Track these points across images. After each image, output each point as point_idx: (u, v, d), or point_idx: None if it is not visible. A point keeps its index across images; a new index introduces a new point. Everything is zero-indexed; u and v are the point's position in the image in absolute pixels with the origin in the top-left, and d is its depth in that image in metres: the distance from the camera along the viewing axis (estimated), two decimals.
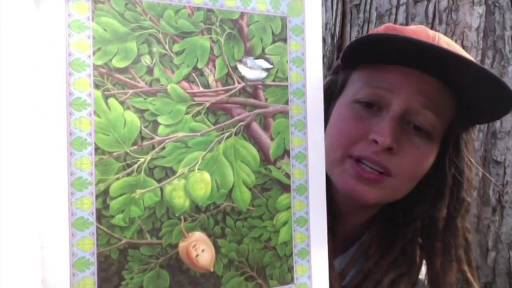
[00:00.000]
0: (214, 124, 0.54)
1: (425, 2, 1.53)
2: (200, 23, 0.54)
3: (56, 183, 0.47)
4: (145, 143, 0.51)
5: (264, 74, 0.57)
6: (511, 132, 1.43)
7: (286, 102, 0.58)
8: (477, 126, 1.39)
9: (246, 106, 0.56)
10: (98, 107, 0.49)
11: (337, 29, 1.72)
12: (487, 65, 1.44)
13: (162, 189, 0.51)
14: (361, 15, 1.65)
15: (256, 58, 0.57)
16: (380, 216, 0.88)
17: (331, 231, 0.79)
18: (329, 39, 1.74)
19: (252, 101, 0.56)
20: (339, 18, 1.72)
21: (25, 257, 0.45)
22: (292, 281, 0.57)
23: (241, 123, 0.55)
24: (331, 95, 0.85)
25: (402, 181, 0.80)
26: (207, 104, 0.54)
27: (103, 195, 0.49)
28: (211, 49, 0.55)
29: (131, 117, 0.50)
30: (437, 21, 1.51)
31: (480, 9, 1.47)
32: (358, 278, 0.83)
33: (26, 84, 0.46)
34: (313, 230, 0.58)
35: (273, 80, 0.57)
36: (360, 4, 1.67)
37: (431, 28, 1.42)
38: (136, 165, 0.50)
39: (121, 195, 0.49)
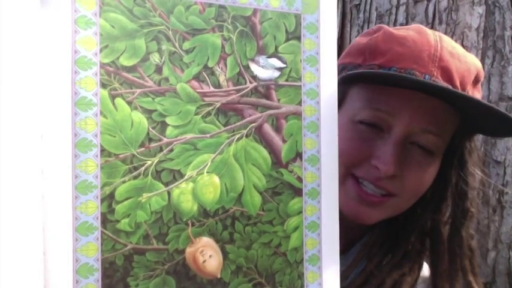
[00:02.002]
0: (224, 125, 0.52)
1: (425, 2, 1.52)
2: (211, 19, 0.52)
3: (59, 186, 0.45)
4: (153, 144, 0.49)
5: (276, 74, 0.55)
6: None
7: (299, 103, 0.56)
8: None
9: (257, 107, 0.54)
10: (104, 107, 0.47)
11: (337, 29, 1.71)
12: (487, 65, 1.43)
13: (169, 193, 0.49)
14: (361, 15, 1.64)
15: (269, 57, 0.55)
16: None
17: None
18: None
19: (264, 101, 0.54)
20: (338, 18, 1.71)
21: (27, 263, 0.43)
22: None
23: (253, 124, 0.53)
24: None
25: (405, 199, 0.80)
26: (218, 105, 0.52)
27: (108, 199, 0.47)
28: (223, 47, 0.53)
29: (139, 117, 0.49)
30: (437, 21, 1.50)
31: (480, 9, 1.46)
32: (360, 278, 0.82)
33: (30, 83, 0.44)
34: (325, 235, 0.56)
35: (286, 80, 0.55)
36: (360, 4, 1.66)
37: (432, 28, 1.40)
38: (143, 168, 0.48)
39: (127, 199, 0.48)
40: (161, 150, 0.49)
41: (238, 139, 0.53)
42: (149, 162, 0.49)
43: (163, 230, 0.49)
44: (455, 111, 0.77)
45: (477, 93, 0.80)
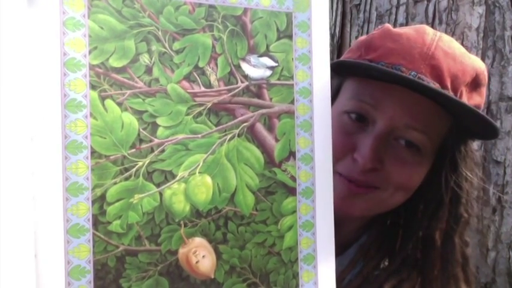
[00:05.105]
0: (216, 125, 0.52)
1: (425, 2, 1.52)
2: (201, 19, 0.52)
3: (50, 189, 0.45)
4: (144, 145, 0.49)
5: (268, 73, 0.55)
6: (511, 132, 1.42)
7: (292, 102, 0.55)
8: None
9: (249, 106, 0.54)
10: (94, 109, 0.47)
11: (337, 29, 1.72)
12: (487, 65, 1.42)
13: (161, 194, 0.49)
14: (361, 15, 1.65)
15: (260, 56, 0.54)
16: (380, 218, 0.86)
17: None
18: (329, 39, 1.74)
19: (256, 100, 0.54)
20: (339, 18, 1.72)
21: (19, 265, 0.43)
22: (297, 287, 0.55)
23: (245, 124, 0.53)
24: None
25: (391, 194, 0.78)
26: (209, 105, 0.52)
27: (99, 201, 0.47)
28: (213, 47, 0.52)
29: (129, 119, 0.49)
30: (437, 21, 1.50)
31: (480, 9, 1.46)
32: (357, 281, 0.81)
33: (18, 86, 0.44)
34: (320, 234, 0.56)
35: (278, 79, 0.55)
36: (360, 4, 1.66)
37: (432, 28, 1.41)
38: (134, 169, 0.48)
39: (118, 200, 0.48)
40: (152, 151, 0.49)
41: (230, 139, 0.52)
42: (140, 163, 0.49)
43: (155, 231, 0.49)
44: (446, 114, 0.76)
45: (476, 97, 0.79)
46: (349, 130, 0.76)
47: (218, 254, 0.51)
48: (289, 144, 0.55)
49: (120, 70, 0.49)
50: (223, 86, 0.53)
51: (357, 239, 0.86)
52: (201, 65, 0.52)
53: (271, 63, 0.55)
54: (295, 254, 0.55)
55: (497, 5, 1.45)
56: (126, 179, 0.48)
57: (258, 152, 0.54)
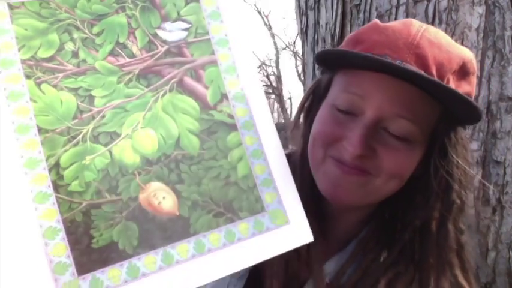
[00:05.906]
0: (147, 87, 0.58)
1: (425, 2, 1.51)
2: (113, 4, 0.60)
3: (9, 168, 0.51)
4: (85, 115, 0.55)
5: (184, 34, 0.61)
6: (511, 132, 1.39)
7: (213, 53, 0.62)
8: (477, 126, 1.37)
9: (174, 65, 0.60)
10: (32, 94, 0.54)
11: (337, 29, 1.71)
12: (487, 65, 1.42)
13: (110, 152, 0.55)
14: (361, 15, 1.64)
15: (174, 21, 0.61)
16: (378, 213, 0.87)
17: (322, 233, 0.79)
18: (329, 39, 1.72)
19: (179, 59, 0.61)
20: (339, 18, 1.71)
21: None
22: (263, 209, 0.59)
23: (173, 80, 0.59)
24: (318, 95, 0.86)
25: (384, 181, 0.77)
26: (137, 71, 0.58)
27: (55, 168, 0.53)
28: (129, 24, 0.60)
29: (66, 96, 0.55)
30: (437, 21, 1.48)
31: (480, 9, 1.45)
32: (356, 275, 0.81)
33: None
34: (271, 159, 0.61)
35: (195, 37, 0.62)
36: (360, 4, 1.65)
37: None
38: (80, 136, 0.55)
39: (72, 164, 0.54)
40: (94, 118, 0.56)
41: (163, 95, 0.59)
42: (85, 130, 0.55)
43: (112, 183, 0.54)
44: (435, 101, 0.76)
45: (466, 85, 0.79)
46: (339, 120, 0.78)
47: (177, 193, 0.56)
48: (219, 89, 0.61)
49: (49, 59, 0.56)
50: (146, 53, 0.59)
51: (357, 235, 0.87)
52: (121, 40, 0.59)
53: (185, 25, 0.62)
54: (252, 181, 0.59)
55: (497, 5, 1.43)
56: (75, 145, 0.54)
57: (191, 101, 0.60)
